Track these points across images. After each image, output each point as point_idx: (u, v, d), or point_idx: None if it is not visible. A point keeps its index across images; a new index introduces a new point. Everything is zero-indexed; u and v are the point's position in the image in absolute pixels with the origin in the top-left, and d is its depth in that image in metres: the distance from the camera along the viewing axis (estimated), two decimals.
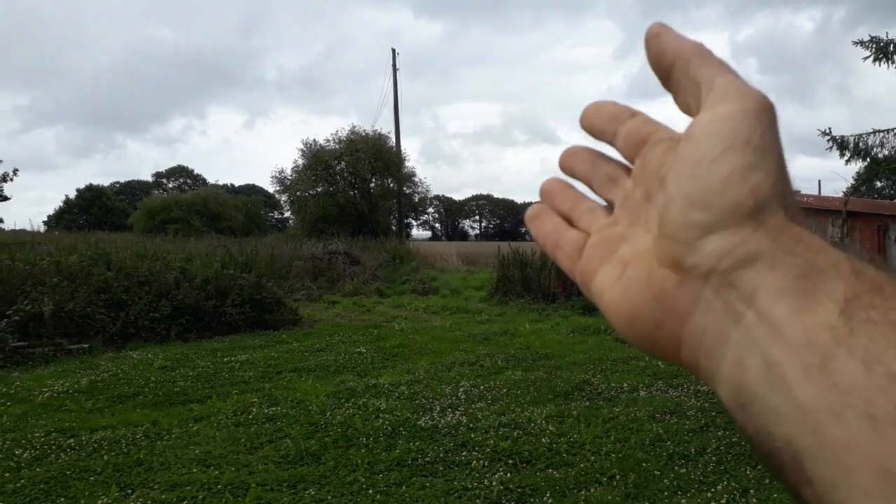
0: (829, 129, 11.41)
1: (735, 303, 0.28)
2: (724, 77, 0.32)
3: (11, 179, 21.90)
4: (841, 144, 11.33)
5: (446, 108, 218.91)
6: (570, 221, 0.42)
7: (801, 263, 0.27)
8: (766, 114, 0.30)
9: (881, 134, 11.10)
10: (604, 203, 0.42)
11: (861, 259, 0.28)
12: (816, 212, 13.16)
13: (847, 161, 11.42)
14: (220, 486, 4.30)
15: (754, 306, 0.28)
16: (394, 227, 34.09)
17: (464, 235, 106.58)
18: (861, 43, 10.93)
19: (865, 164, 11.56)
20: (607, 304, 0.35)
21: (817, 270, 0.27)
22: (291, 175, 32.73)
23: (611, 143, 0.41)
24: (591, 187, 0.43)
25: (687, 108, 0.34)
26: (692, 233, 0.29)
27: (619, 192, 0.40)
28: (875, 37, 10.81)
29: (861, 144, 11.21)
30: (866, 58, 10.96)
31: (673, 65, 0.34)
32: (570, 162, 0.44)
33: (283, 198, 34.92)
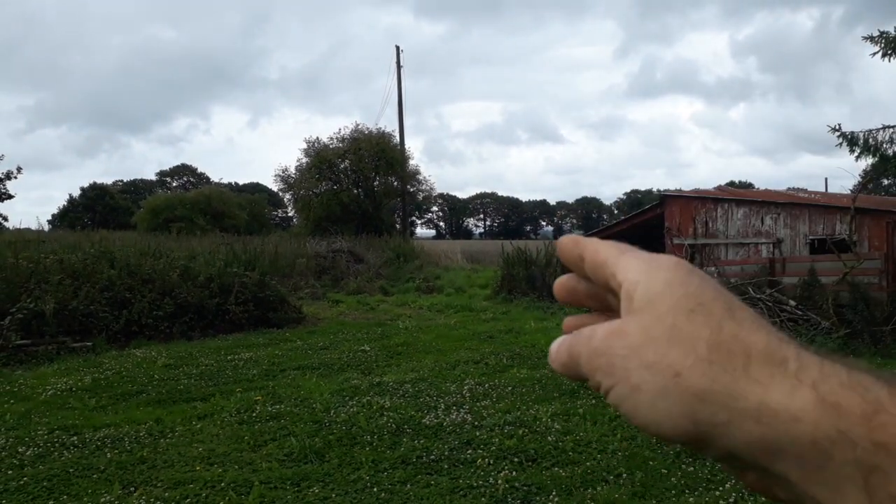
0: (839, 125, 11.29)
1: None
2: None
3: (15, 177, 22.05)
4: (850, 140, 11.17)
5: (449, 108, 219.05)
6: None
7: None
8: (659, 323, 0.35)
9: (891, 129, 10.95)
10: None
11: None
12: (825, 209, 13.09)
13: (857, 157, 11.27)
14: (223, 484, 4.27)
15: None
16: (398, 226, 34.03)
17: (468, 234, 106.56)
18: (871, 38, 10.75)
19: (875, 160, 11.41)
20: None
21: None
22: (295, 174, 32.71)
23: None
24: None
25: None
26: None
27: None
28: (884, 32, 10.64)
29: (871, 140, 11.05)
30: (875, 53, 10.80)
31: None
32: None
33: (287, 196, 34.91)
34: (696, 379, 0.32)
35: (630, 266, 0.37)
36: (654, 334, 0.34)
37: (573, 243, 0.41)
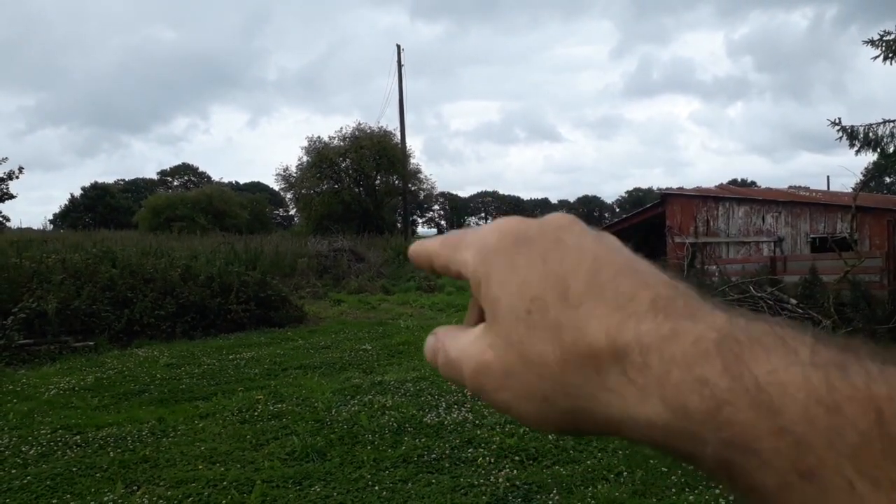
0: (839, 119, 11.27)
1: None
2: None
3: (17, 177, 22.08)
4: (851, 134, 11.14)
5: (447, 107, 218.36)
6: None
7: None
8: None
9: (891, 124, 10.93)
10: None
11: None
12: (826, 207, 13.10)
13: (857, 152, 11.23)
14: (225, 483, 4.29)
15: None
16: (399, 225, 34.06)
17: None
18: (871, 42, 10.69)
19: (876, 155, 11.39)
20: None
21: None
22: (296, 173, 32.77)
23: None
24: None
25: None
26: None
27: None
28: (885, 33, 10.57)
29: (871, 135, 11.02)
30: (876, 57, 10.74)
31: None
32: None
33: (288, 195, 35.00)
34: (562, 400, 0.32)
35: (467, 261, 0.36)
36: (510, 361, 0.33)
37: (414, 255, 0.41)
